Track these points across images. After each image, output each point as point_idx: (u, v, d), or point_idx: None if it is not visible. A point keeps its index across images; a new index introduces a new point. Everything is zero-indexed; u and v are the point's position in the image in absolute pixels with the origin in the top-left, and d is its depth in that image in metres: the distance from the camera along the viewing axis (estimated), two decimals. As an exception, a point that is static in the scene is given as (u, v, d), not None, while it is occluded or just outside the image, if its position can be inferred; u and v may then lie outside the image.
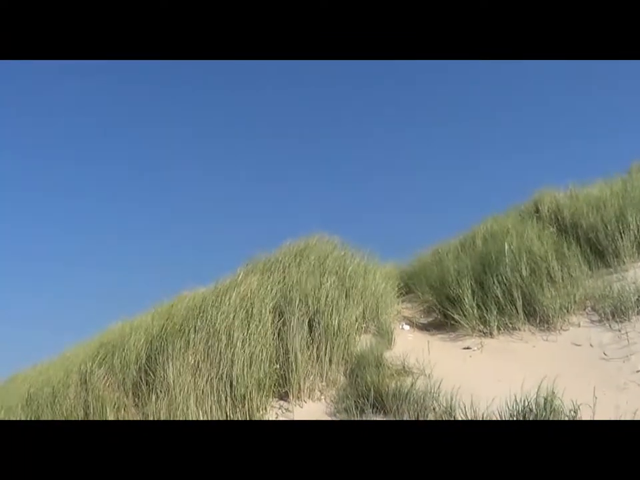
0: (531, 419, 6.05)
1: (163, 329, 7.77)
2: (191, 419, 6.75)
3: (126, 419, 7.03)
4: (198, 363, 7.31)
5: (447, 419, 6.52)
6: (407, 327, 9.24)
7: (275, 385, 7.43)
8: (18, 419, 7.23)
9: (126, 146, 40.74)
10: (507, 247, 9.48)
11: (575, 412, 6.06)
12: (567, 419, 6.00)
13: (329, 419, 7.08)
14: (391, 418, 6.81)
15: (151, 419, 6.92)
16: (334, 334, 7.91)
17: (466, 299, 8.93)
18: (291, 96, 39.98)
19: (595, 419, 6.01)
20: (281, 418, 7.19)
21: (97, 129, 39.46)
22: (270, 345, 7.58)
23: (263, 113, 41.54)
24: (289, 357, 7.55)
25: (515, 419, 6.02)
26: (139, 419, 7.06)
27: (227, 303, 7.82)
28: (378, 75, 36.41)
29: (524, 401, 6.16)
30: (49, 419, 7.06)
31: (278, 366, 7.48)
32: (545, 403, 6.10)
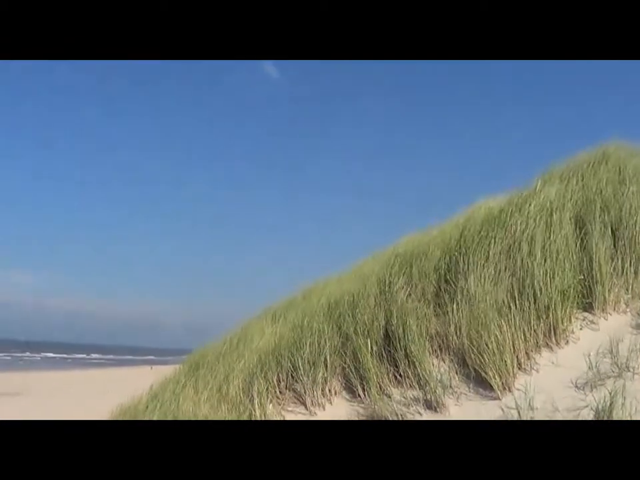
0: None
1: (462, 238, 7.79)
2: (491, 329, 6.74)
3: (428, 328, 7.20)
4: (499, 272, 7.27)
5: None
6: None
7: (578, 296, 7.24)
8: (320, 326, 7.56)
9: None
10: None
11: None
12: None
13: (635, 331, 6.86)
14: None
15: (452, 328, 7.03)
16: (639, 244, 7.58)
17: None
18: None
19: None
20: (585, 329, 7.09)
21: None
22: (572, 255, 7.37)
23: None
24: (592, 268, 7.32)
25: None
26: (438, 328, 7.19)
27: (526, 213, 7.67)
28: None
29: None
30: (351, 328, 7.35)
31: (582, 276, 7.30)
32: None
